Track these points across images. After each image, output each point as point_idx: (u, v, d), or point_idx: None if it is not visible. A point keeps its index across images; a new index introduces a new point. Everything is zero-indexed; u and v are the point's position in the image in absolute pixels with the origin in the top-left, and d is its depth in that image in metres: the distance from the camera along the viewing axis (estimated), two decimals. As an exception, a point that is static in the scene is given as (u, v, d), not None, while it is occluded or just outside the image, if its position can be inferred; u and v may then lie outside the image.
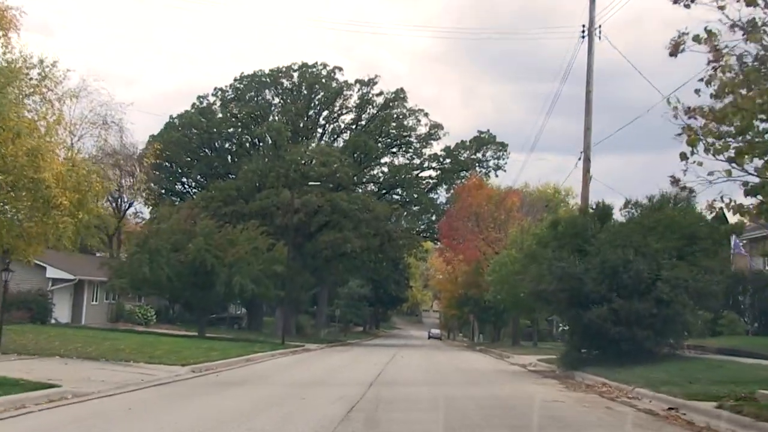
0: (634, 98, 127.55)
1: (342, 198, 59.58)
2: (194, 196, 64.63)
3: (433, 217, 70.28)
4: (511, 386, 20.65)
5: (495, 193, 53.65)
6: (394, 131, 68.46)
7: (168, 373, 22.10)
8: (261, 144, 66.83)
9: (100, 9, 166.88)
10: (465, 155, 66.71)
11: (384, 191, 68.97)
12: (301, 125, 67.67)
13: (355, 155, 66.29)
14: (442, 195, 70.75)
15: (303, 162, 61.08)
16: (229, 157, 69.78)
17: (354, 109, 69.13)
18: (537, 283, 25.05)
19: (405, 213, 66.87)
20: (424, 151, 68.61)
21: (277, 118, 66.34)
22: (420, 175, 69.01)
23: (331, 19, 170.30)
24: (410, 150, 69.21)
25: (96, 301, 53.72)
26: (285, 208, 58.31)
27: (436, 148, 68.05)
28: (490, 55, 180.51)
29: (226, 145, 70.17)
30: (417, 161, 68.47)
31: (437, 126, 67.80)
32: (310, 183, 56.76)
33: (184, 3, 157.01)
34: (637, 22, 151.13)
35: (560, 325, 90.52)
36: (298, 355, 39.76)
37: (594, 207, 25.51)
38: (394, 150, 69.12)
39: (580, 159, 27.94)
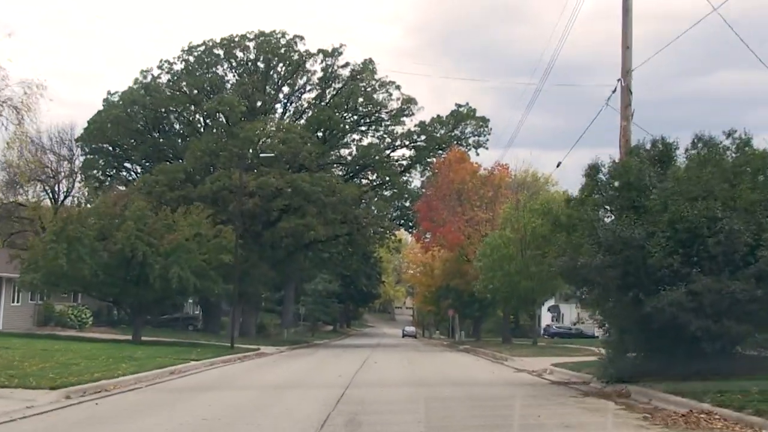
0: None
1: (304, 180, 51.26)
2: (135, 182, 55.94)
3: (407, 203, 62.19)
4: (560, 418, 12.47)
5: (480, 168, 45.62)
6: (362, 107, 60.12)
7: (20, 403, 14.07)
8: (212, 122, 58.09)
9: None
10: (441, 132, 58.59)
11: (352, 173, 60.65)
12: (258, 103, 59.05)
13: (320, 133, 57.93)
14: (416, 179, 62.73)
15: (260, 141, 52.53)
16: (179, 140, 61.02)
17: (317, 86, 60.63)
18: (571, 257, 16.88)
19: (376, 198, 58.47)
20: (395, 129, 60.45)
21: (230, 93, 57.62)
22: (392, 155, 60.85)
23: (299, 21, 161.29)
24: (381, 128, 60.96)
25: (17, 301, 45.08)
26: (239, 192, 49.91)
27: (410, 125, 59.89)
28: (461, 50, 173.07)
29: (176, 126, 61.45)
30: (388, 140, 60.23)
31: (410, 101, 59.57)
32: (262, 155, 48.39)
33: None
34: None
35: (553, 319, 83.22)
36: (246, 362, 31.55)
37: (649, 147, 17.30)
38: (363, 128, 60.77)
39: (614, 91, 19.78)
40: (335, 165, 60.65)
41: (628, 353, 17.46)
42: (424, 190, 53.03)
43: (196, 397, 16.68)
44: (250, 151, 52.53)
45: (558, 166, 23.17)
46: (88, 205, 46.10)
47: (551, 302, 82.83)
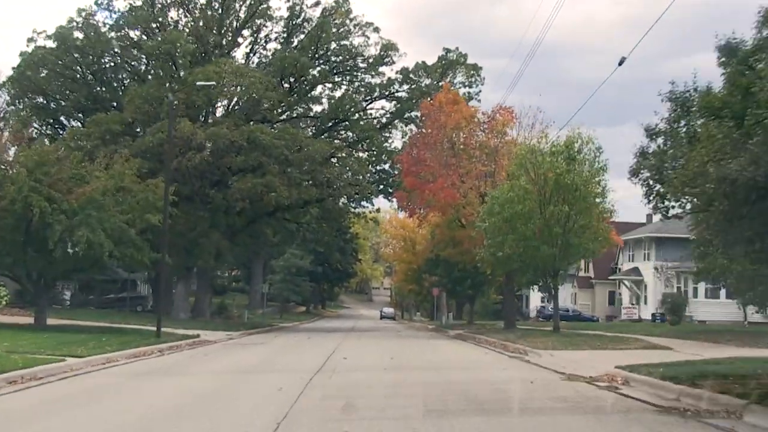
0: None
1: (264, 132, 41.70)
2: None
3: (386, 166, 52.83)
4: None
5: (478, 112, 36.08)
6: (335, 55, 50.48)
7: None
8: (159, 67, 48.04)
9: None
10: (426, 82, 49.10)
11: (323, 130, 51.03)
12: (214, 48, 49.12)
13: (286, 84, 48.24)
14: (397, 140, 53.33)
15: (212, 87, 42.69)
16: (121, 90, 51.01)
17: (283, 31, 50.81)
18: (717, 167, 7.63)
19: (350, 159, 48.82)
20: (373, 81, 50.91)
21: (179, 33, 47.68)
22: (369, 108, 51.38)
23: None
24: (356, 80, 51.45)
25: None
26: (185, 145, 40.33)
27: (390, 75, 50.40)
28: (438, 32, 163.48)
29: (118, 74, 51.44)
30: (365, 93, 50.70)
31: (390, 47, 50.01)
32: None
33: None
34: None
35: (544, 300, 74.73)
36: (165, 357, 22.45)
37: None
38: (336, 78, 51.12)
39: None
40: (303, 120, 50.99)
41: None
42: (407, 140, 43.41)
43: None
44: (199, 97, 42.76)
45: (621, 63, 15.37)
46: None
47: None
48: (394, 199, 58.01)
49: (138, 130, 44.22)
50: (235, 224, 49.15)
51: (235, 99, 44.81)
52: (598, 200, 25.61)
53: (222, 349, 25.83)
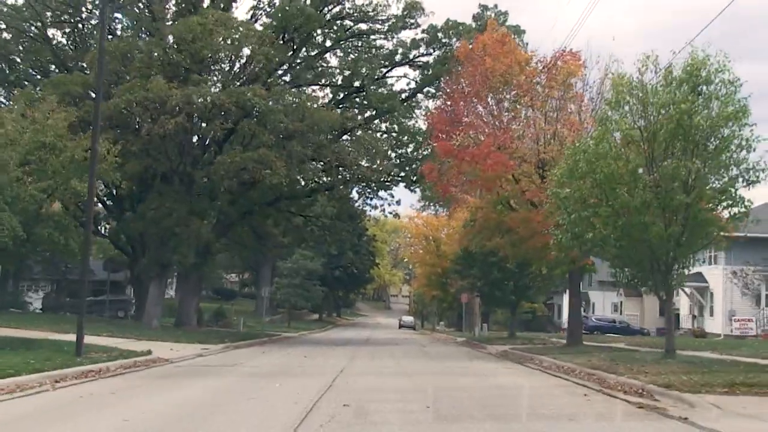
0: None
1: (257, 94, 32.16)
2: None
3: (410, 148, 43.35)
4: None
5: (533, 57, 26.08)
6: (349, 17, 40.98)
7: None
8: (130, 17, 38.78)
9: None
10: (457, 45, 39.42)
11: (334, 102, 41.45)
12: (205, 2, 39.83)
13: (288, 41, 38.80)
14: (420, 120, 43.79)
15: (193, 40, 33.31)
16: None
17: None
18: None
19: (368, 133, 39.20)
20: (393, 47, 41.41)
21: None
22: (388, 75, 41.86)
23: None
24: (373, 45, 41.93)
25: None
26: (157, 109, 31.10)
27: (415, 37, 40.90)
28: None
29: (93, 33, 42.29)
30: (383, 57, 41.20)
31: (415, 6, 40.41)
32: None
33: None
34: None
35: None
36: (58, 392, 12.73)
37: None
38: (351, 40, 41.61)
39: None
40: (307, 84, 41.40)
41: None
42: (439, 93, 33.36)
43: None
44: (178, 51, 33.49)
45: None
46: None
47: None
48: (417, 190, 48.62)
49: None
50: (229, 215, 39.85)
51: (223, 55, 35.39)
52: (740, 154, 16.11)
53: (152, 382, 16.27)
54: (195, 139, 33.69)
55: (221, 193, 36.02)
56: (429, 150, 39.93)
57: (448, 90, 26.31)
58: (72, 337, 21.99)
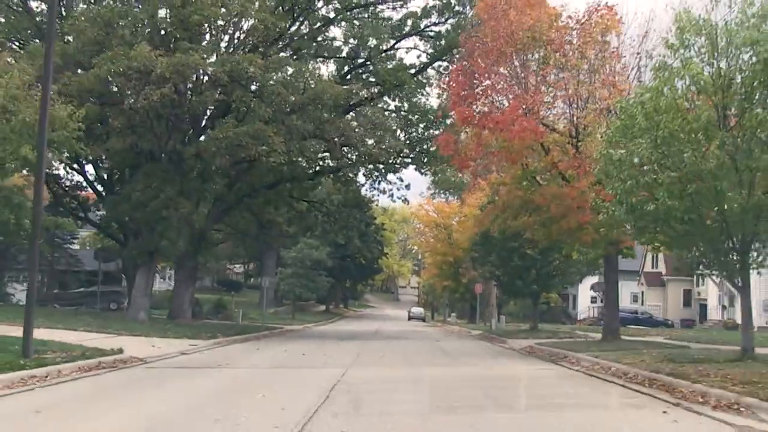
0: None
1: (253, 62, 28.68)
2: None
3: (420, 128, 39.80)
4: None
5: (564, 11, 22.52)
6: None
7: None
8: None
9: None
10: (471, 12, 35.80)
11: (338, 77, 37.93)
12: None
13: (285, 6, 35.29)
14: (433, 98, 40.34)
15: (183, 5, 29.86)
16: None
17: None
18: None
19: (376, 109, 35.67)
20: (405, 21, 37.87)
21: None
22: (396, 47, 38.35)
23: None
24: (381, 15, 38.37)
25: None
26: (141, 78, 27.75)
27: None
28: None
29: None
30: (391, 27, 37.64)
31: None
32: None
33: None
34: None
35: (595, 300, 62.33)
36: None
37: None
38: (356, 11, 38.05)
39: None
40: (312, 60, 37.91)
41: None
42: (459, 51, 29.45)
43: None
44: (165, 18, 30.14)
45: None
46: None
47: (594, 278, 61.12)
48: (428, 173, 45.20)
49: (84, 62, 31.60)
50: (225, 198, 36.58)
51: (217, 23, 31.92)
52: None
53: (105, 392, 12.94)
54: (185, 114, 30.22)
55: (215, 173, 32.69)
56: (441, 129, 36.63)
57: (466, 47, 22.73)
58: (41, 334, 18.84)
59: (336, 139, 32.55)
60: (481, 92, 21.00)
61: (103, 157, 30.78)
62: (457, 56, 31.37)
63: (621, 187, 13.95)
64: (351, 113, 36.42)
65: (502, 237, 30.46)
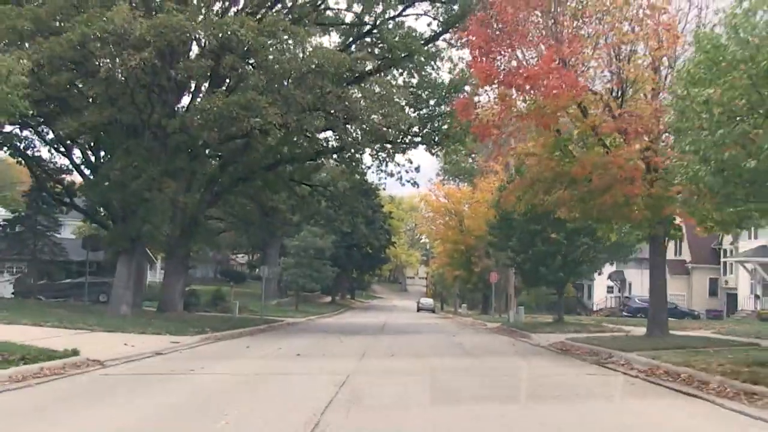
0: None
1: (245, 24, 25.15)
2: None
3: (431, 104, 36.26)
4: None
5: None
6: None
7: None
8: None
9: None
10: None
11: (342, 47, 34.37)
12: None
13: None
14: (444, 72, 36.88)
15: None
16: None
17: None
18: None
19: (384, 80, 32.08)
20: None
21: None
22: (405, 14, 34.77)
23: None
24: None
25: None
26: (119, 42, 24.34)
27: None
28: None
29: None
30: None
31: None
32: None
33: None
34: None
35: (611, 290, 59.09)
36: None
37: None
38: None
39: None
40: (312, 30, 34.33)
41: None
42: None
43: None
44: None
45: None
46: None
47: (611, 267, 57.65)
48: (439, 154, 41.66)
49: (58, 25, 28.19)
50: (219, 180, 33.28)
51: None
52: None
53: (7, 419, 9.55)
54: (170, 83, 26.77)
55: (203, 150, 29.29)
56: (454, 101, 33.13)
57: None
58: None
59: (339, 114, 29.10)
60: (506, 45, 17.48)
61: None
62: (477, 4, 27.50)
63: (707, 140, 10.50)
64: (356, 88, 32.93)
65: (525, 219, 27.02)
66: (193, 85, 28.13)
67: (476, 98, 19.58)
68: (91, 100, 26.40)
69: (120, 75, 25.14)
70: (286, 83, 26.51)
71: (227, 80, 27.16)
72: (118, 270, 27.67)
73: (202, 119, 25.03)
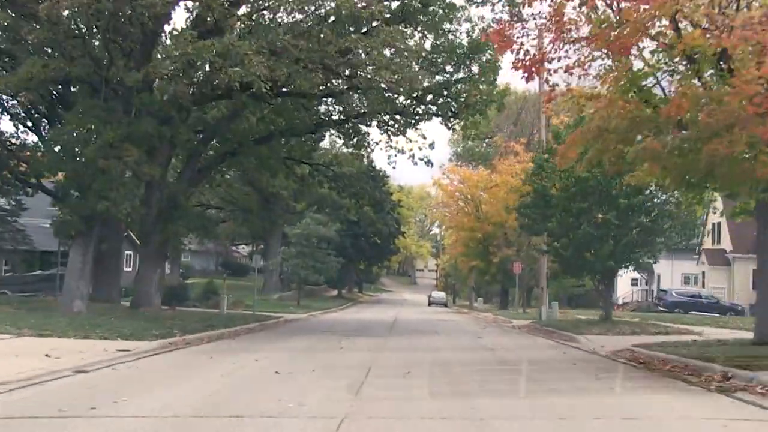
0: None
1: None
2: None
3: (447, 70, 30.86)
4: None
5: None
6: None
7: None
8: None
9: None
10: None
11: None
12: None
13: None
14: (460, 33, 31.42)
15: None
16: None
17: None
18: None
19: (393, 31, 26.64)
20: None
21: None
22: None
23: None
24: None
25: None
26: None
27: None
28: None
29: None
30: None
31: None
32: None
33: None
34: None
35: (639, 282, 53.86)
36: None
37: None
38: None
39: None
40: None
41: None
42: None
43: None
44: None
45: None
46: None
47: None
48: (457, 127, 36.22)
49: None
50: (200, 152, 28.07)
51: None
52: None
53: None
54: (132, 27, 21.50)
55: (181, 115, 24.01)
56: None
57: None
58: None
59: (340, 69, 23.87)
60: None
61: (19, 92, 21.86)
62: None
63: None
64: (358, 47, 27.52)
65: (567, 195, 21.76)
66: (163, 30, 22.79)
67: (517, 25, 14.17)
68: (31, 50, 21.24)
69: (66, 16, 19.96)
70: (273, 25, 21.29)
71: (202, 21, 21.85)
72: (71, 258, 22.56)
73: (168, 69, 19.78)
